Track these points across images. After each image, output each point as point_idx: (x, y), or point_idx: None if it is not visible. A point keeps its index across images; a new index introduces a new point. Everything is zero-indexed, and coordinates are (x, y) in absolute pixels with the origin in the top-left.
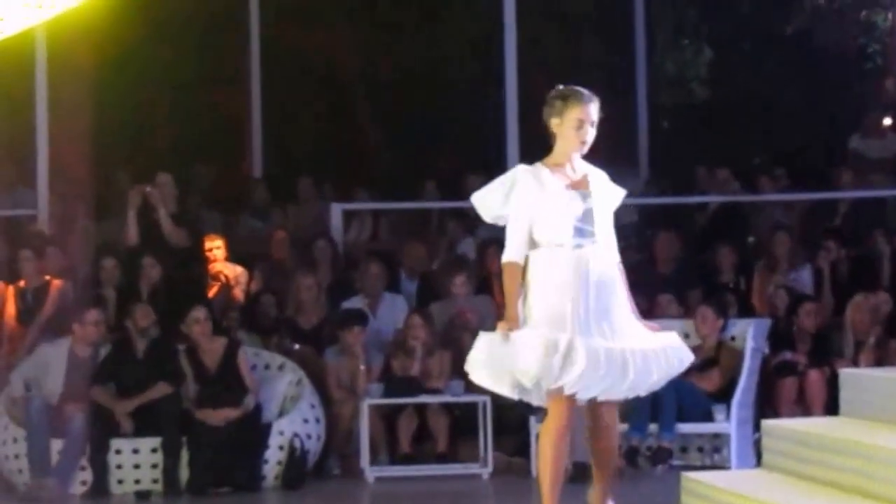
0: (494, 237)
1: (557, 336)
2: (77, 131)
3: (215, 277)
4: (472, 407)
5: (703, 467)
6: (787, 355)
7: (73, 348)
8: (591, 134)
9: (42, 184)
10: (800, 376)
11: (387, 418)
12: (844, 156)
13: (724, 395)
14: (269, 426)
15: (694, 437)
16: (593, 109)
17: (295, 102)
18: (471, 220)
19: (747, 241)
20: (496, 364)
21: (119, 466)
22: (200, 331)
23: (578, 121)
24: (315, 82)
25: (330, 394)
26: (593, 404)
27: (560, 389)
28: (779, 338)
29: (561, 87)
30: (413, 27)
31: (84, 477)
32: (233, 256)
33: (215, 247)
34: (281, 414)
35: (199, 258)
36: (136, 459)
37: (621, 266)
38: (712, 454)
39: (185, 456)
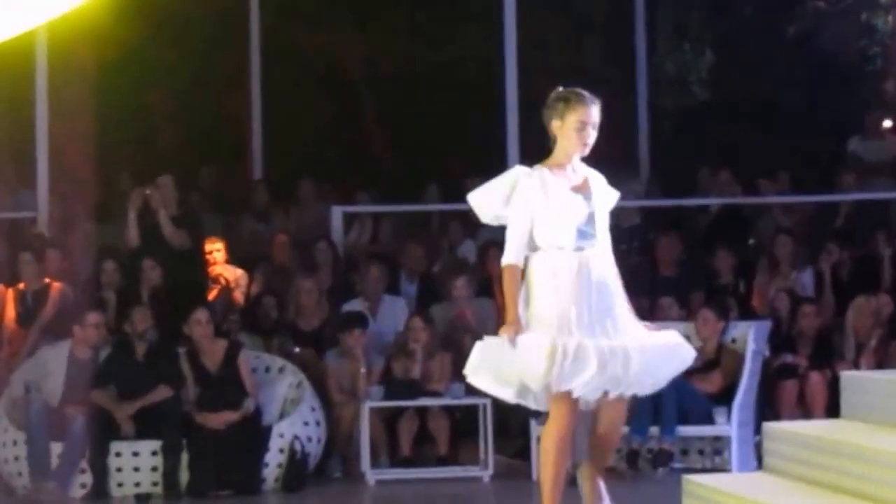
0: (495, 239)
1: (566, 340)
2: (77, 133)
3: (216, 280)
4: (473, 409)
5: (703, 470)
6: (788, 358)
7: (74, 351)
8: (592, 136)
9: (42, 186)
10: (801, 379)
11: (387, 421)
12: (844, 158)
13: (724, 397)
14: (269, 429)
15: (695, 439)
16: (595, 111)
17: (295, 104)
18: (472, 222)
19: (748, 243)
20: (502, 368)
21: (119, 469)
22: (202, 333)
23: (580, 123)
24: (316, 83)
25: (330, 396)
26: (603, 399)
27: (567, 393)
28: (780, 340)
29: (561, 88)
30: (414, 28)
31: (84, 480)
32: (233, 259)
33: (216, 249)
34: (281, 416)
35: (199, 261)
36: (136, 462)
37: (616, 268)
38: (713, 457)
39: (185, 458)
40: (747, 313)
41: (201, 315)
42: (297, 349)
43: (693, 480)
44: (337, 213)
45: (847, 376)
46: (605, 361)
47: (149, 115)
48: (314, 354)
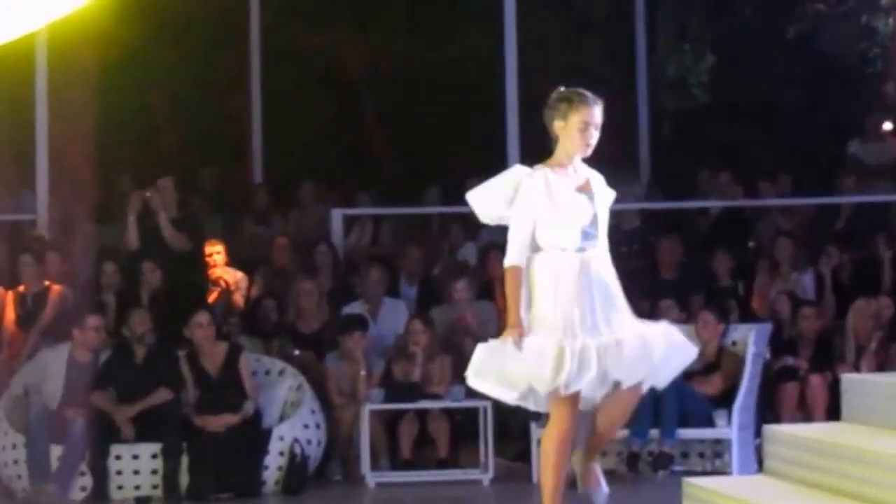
0: (496, 242)
1: (571, 342)
2: (77, 135)
3: (216, 282)
4: (473, 412)
5: (704, 473)
6: (789, 360)
7: (73, 353)
8: (594, 137)
9: (42, 188)
10: (801, 381)
11: (387, 424)
12: (845, 160)
13: (725, 400)
14: (269, 432)
15: (695, 442)
16: (598, 112)
17: (296, 105)
18: (472, 224)
19: (748, 245)
20: (508, 371)
21: (119, 472)
22: (203, 335)
23: (583, 123)
24: (316, 84)
25: (330, 399)
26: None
27: (568, 395)
28: (780, 343)
29: (563, 88)
30: (414, 28)
31: (84, 483)
32: (233, 261)
33: (216, 252)
34: (281, 419)
35: (199, 263)
36: (136, 465)
37: (614, 269)
38: (713, 459)
39: (185, 461)
40: (748, 316)
41: (202, 318)
42: (297, 352)
43: (693, 483)
44: (337, 215)
45: (848, 379)
46: (603, 357)
47: (149, 116)
48: (314, 357)
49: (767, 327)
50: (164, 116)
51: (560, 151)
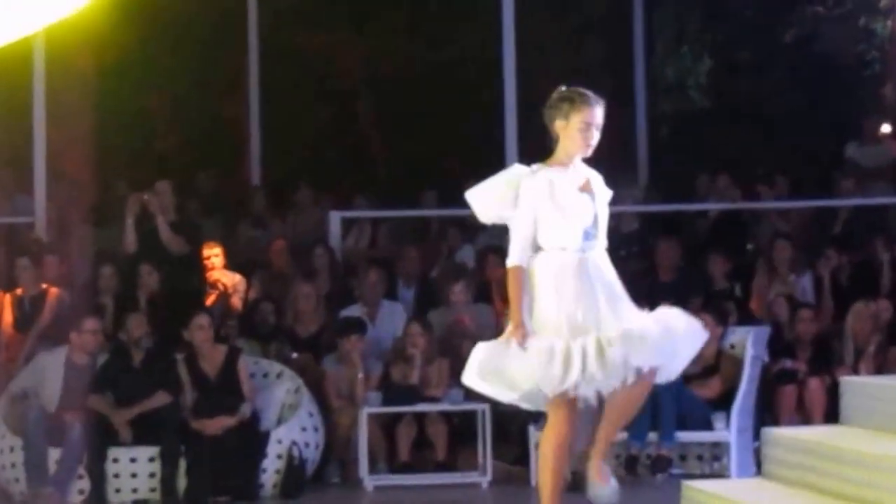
0: (494, 245)
1: (576, 342)
2: (75, 138)
3: (213, 285)
4: (471, 415)
5: (702, 476)
6: (787, 363)
7: (71, 356)
8: (595, 137)
9: (40, 191)
10: (800, 384)
11: (386, 427)
12: (843, 163)
13: (723, 403)
14: (267, 434)
15: (693, 445)
16: (599, 112)
17: (294, 106)
18: (471, 227)
19: (747, 248)
20: (513, 373)
21: (117, 475)
22: (203, 337)
23: (585, 123)
24: (314, 85)
25: (329, 402)
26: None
27: (567, 397)
28: (779, 345)
29: (564, 88)
30: (412, 29)
31: (82, 486)
32: (231, 264)
33: (214, 255)
34: (279, 422)
35: (197, 266)
36: (134, 468)
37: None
38: (712, 462)
39: (182, 465)
40: (746, 318)
41: (203, 320)
42: (294, 355)
43: (692, 486)
44: (335, 218)
45: (846, 382)
46: (619, 346)
47: (146, 119)
48: (312, 360)
49: (766, 330)
50: (162, 119)
51: (560, 151)
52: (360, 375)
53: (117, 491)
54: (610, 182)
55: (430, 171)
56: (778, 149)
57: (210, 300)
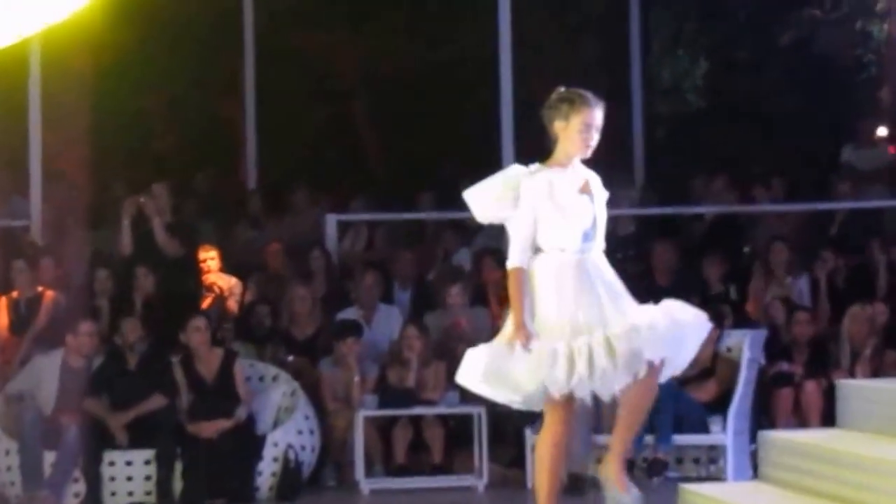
0: (490, 247)
1: (579, 343)
2: (71, 140)
3: (209, 288)
4: (468, 418)
5: (699, 479)
6: (784, 366)
7: (67, 359)
8: (595, 139)
9: (35, 193)
10: (796, 387)
11: (382, 429)
12: (839, 166)
13: (720, 406)
14: (263, 437)
15: (690, 448)
16: (599, 113)
17: (291, 107)
18: (467, 229)
19: (743, 250)
20: (516, 375)
21: (112, 478)
22: (200, 339)
23: (584, 125)
24: (311, 85)
25: (325, 405)
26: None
27: (564, 399)
28: (775, 348)
29: (563, 89)
30: (409, 30)
31: (77, 489)
32: (227, 267)
33: (209, 257)
34: (275, 425)
35: (193, 269)
36: (130, 471)
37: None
38: (708, 465)
39: (178, 468)
40: (742, 321)
41: (200, 322)
42: (290, 357)
43: (689, 489)
44: (331, 220)
45: (843, 384)
46: (626, 343)
47: (143, 120)
48: (308, 363)
49: (762, 333)
50: (159, 120)
51: (560, 152)
52: (357, 378)
53: (113, 494)
54: (606, 183)
55: (428, 172)
56: (774, 151)
57: (206, 303)
